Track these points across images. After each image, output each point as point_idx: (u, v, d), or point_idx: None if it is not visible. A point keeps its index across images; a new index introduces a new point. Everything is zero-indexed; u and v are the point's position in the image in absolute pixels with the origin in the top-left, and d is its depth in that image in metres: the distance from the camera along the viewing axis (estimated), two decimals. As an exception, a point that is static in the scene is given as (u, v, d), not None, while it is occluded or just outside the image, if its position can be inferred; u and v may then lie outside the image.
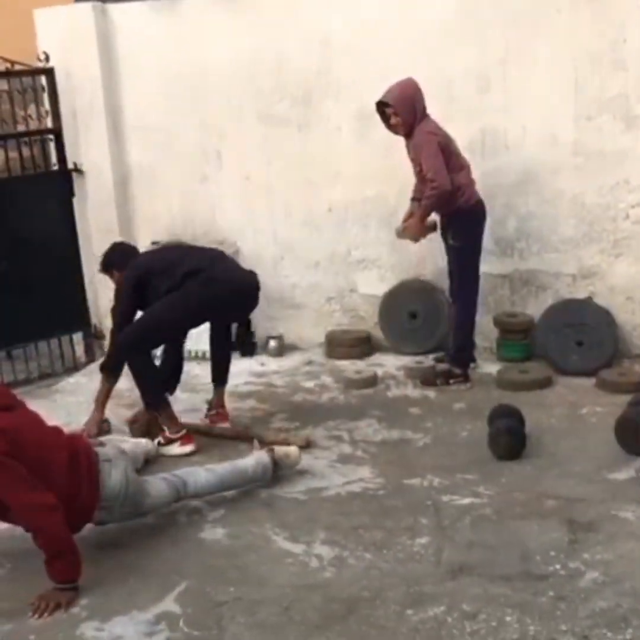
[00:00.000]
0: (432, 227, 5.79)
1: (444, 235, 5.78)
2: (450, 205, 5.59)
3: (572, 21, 5.76)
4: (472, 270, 5.75)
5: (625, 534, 3.91)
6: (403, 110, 5.55)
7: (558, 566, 3.69)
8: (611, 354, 5.90)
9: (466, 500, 4.30)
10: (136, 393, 6.04)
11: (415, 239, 5.84)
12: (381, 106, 5.65)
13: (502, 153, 6.08)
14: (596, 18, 5.71)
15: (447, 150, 5.56)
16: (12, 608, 3.64)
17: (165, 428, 5.15)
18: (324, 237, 6.64)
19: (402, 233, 5.86)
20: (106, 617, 3.54)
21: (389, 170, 6.17)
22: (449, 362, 5.91)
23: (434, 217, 5.75)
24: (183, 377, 6.32)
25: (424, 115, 5.60)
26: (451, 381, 5.80)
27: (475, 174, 5.84)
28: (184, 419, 5.41)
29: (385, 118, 5.69)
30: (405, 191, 6.25)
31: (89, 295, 7.10)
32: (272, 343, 6.66)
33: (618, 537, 3.88)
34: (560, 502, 4.23)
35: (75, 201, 6.94)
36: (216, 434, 5.32)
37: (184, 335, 5.66)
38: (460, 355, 5.85)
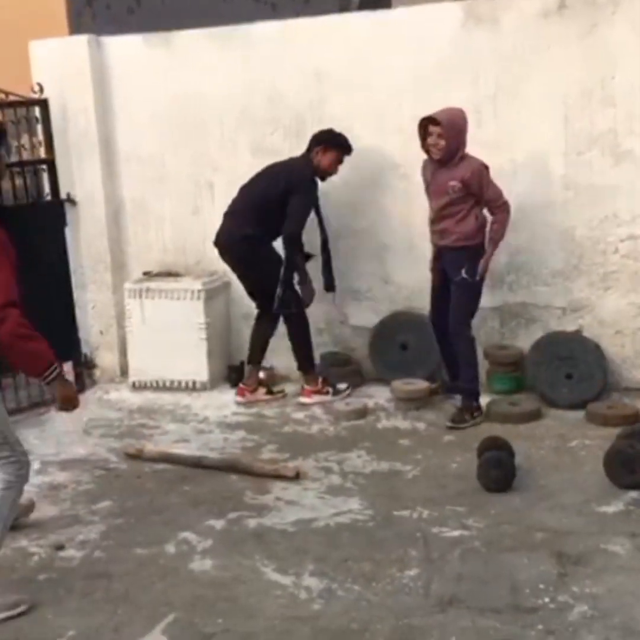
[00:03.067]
0: None
1: (454, 272, 5.65)
2: (476, 239, 5.60)
3: (562, 58, 5.83)
4: (474, 305, 5.77)
5: (615, 568, 3.90)
6: (451, 135, 5.46)
7: (547, 599, 3.68)
8: (600, 387, 5.91)
9: (455, 533, 4.29)
10: (126, 423, 6.07)
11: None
12: (426, 123, 5.53)
13: (492, 187, 6.12)
14: (586, 55, 5.79)
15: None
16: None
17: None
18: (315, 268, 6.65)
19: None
20: (94, 649, 3.53)
21: (380, 203, 6.20)
22: (465, 397, 5.82)
23: None
24: (172, 407, 6.36)
25: (465, 149, 5.58)
26: (475, 414, 5.74)
27: (466, 207, 5.89)
28: (174, 449, 5.42)
29: (423, 135, 5.58)
30: (395, 225, 6.31)
31: (80, 325, 7.09)
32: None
33: (607, 571, 3.87)
34: (550, 534, 4.22)
35: (68, 231, 6.93)
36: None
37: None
38: (473, 387, 5.80)
